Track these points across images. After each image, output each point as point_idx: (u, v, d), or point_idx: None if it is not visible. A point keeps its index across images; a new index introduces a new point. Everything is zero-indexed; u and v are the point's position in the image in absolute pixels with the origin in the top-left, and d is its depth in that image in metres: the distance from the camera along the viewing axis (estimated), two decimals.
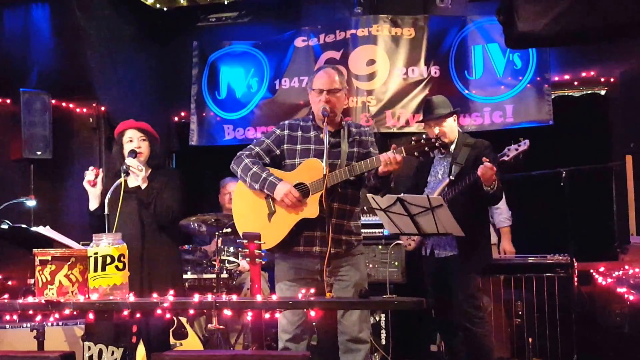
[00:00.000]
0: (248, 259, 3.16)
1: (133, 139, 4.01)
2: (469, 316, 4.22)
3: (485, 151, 4.26)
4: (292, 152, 3.80)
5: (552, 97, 5.93)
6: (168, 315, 3.08)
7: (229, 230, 4.98)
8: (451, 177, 4.25)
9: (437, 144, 3.47)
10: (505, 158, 4.06)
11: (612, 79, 6.01)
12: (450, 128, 4.39)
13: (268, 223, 3.70)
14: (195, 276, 5.17)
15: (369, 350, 3.79)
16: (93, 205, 3.94)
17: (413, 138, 3.56)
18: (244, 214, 3.82)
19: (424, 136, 3.56)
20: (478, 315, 4.26)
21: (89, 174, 3.93)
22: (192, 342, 4.79)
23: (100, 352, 3.18)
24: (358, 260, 3.80)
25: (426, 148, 3.49)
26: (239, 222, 3.81)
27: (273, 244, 3.67)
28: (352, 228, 3.77)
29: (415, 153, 3.51)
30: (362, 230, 3.94)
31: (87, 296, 3.11)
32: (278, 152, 3.83)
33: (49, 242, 3.68)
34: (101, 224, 3.54)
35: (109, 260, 3.07)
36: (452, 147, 4.39)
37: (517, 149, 4.04)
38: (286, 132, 3.84)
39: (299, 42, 6.50)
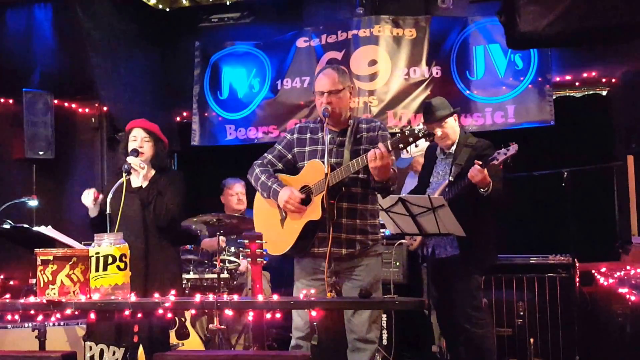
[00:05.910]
0: (249, 259, 3.17)
1: (137, 138, 4.02)
2: (469, 317, 4.20)
3: (486, 151, 4.25)
4: (302, 155, 3.79)
5: (554, 97, 5.93)
6: (169, 315, 3.09)
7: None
8: (450, 178, 4.24)
9: (420, 135, 3.35)
10: (495, 162, 4.05)
11: (613, 80, 6.00)
12: (452, 128, 4.38)
13: (281, 229, 3.71)
14: (197, 276, 5.17)
15: (376, 351, 3.77)
16: (93, 214, 3.97)
17: (398, 131, 3.48)
18: (262, 222, 3.85)
19: (407, 128, 3.44)
20: (478, 316, 4.23)
21: (88, 196, 3.90)
22: (194, 342, 4.80)
23: (101, 352, 3.18)
24: (373, 261, 3.73)
25: (410, 139, 3.37)
26: (259, 229, 3.83)
27: (285, 249, 3.68)
28: (367, 227, 3.70)
29: (400, 145, 3.40)
30: None
31: (88, 296, 3.11)
32: (290, 156, 3.82)
33: (51, 242, 3.70)
34: (101, 226, 3.54)
35: (110, 260, 3.07)
36: (453, 147, 4.38)
37: (505, 153, 4.03)
38: (295, 135, 3.83)
39: (301, 43, 6.51)
